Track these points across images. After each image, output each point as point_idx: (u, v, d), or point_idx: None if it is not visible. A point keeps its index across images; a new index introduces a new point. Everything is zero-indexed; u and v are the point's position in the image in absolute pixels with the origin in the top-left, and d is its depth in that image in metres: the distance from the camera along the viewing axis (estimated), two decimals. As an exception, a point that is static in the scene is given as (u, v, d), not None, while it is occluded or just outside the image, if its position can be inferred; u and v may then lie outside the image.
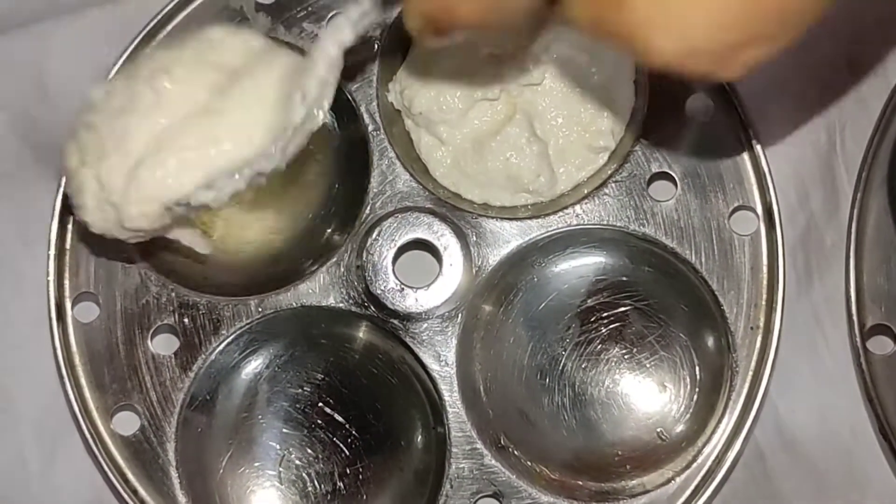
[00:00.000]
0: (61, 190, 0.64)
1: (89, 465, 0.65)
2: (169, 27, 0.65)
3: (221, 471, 0.64)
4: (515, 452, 0.64)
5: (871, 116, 0.67)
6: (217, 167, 0.53)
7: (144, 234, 0.56)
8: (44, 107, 0.68)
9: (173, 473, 0.63)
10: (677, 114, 0.64)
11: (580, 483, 0.64)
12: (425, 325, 0.64)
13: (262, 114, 0.53)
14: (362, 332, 0.65)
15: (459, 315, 0.64)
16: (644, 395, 0.65)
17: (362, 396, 0.65)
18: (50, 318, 0.63)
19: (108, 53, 0.65)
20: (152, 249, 0.64)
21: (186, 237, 0.62)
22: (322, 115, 0.52)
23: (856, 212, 0.65)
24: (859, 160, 0.66)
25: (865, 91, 0.68)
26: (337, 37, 0.51)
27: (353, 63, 0.65)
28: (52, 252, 0.64)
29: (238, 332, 0.64)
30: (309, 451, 0.65)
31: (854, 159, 0.67)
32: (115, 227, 0.55)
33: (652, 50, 0.44)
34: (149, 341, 0.64)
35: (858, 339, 0.64)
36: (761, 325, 0.64)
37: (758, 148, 0.64)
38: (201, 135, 0.53)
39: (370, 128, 0.65)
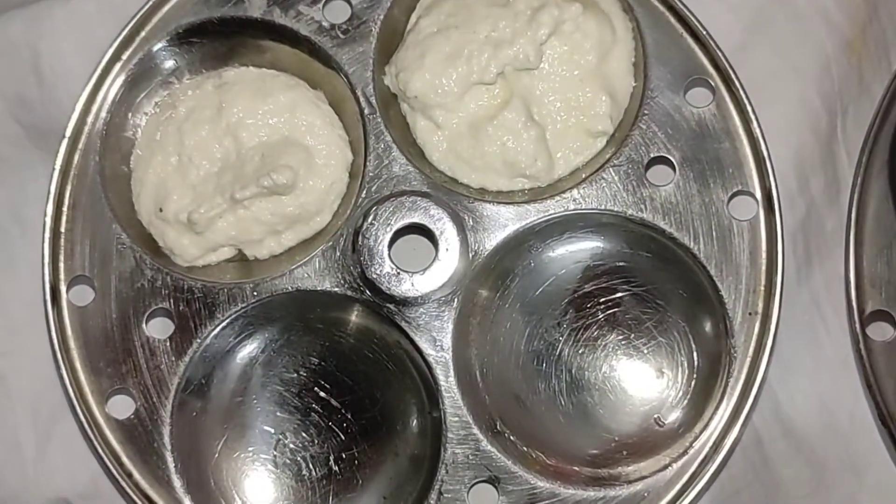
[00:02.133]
0: (56, 172, 0.64)
1: (84, 450, 0.65)
2: (164, 9, 0.65)
3: (216, 454, 0.64)
4: (511, 438, 0.64)
5: (872, 101, 0.67)
6: None
7: None
8: (38, 89, 0.68)
9: (168, 457, 0.63)
10: (676, 98, 0.64)
11: (576, 469, 0.64)
12: (421, 309, 0.63)
13: None
14: (358, 317, 0.65)
15: (456, 300, 0.64)
16: (641, 380, 0.65)
17: (358, 381, 0.65)
18: (45, 302, 0.63)
19: (103, 36, 0.65)
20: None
21: (170, 236, 0.64)
22: None
23: (856, 197, 0.65)
24: (860, 145, 0.66)
25: (866, 75, 0.68)
26: None
27: (351, 47, 0.64)
28: (48, 235, 0.64)
29: (233, 317, 0.64)
30: (304, 435, 0.65)
31: (855, 144, 0.66)
32: None
33: None
34: (144, 325, 0.64)
35: (858, 325, 0.64)
36: (760, 310, 0.63)
37: (757, 132, 0.63)
38: None
39: (366, 111, 0.64)
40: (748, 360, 0.63)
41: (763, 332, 0.63)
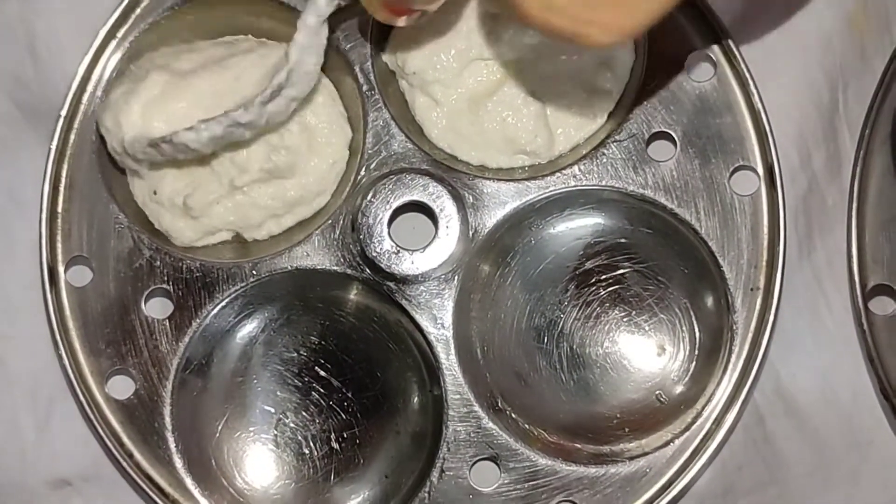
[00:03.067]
0: (52, 152, 0.64)
1: (85, 431, 0.65)
2: (159, -12, 0.65)
3: (217, 434, 0.64)
4: (513, 415, 0.64)
5: (874, 74, 0.66)
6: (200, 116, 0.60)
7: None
8: (33, 69, 0.67)
9: (169, 437, 0.63)
10: (677, 73, 0.64)
11: (578, 446, 0.64)
12: (422, 287, 0.63)
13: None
14: (358, 295, 0.65)
15: (456, 277, 0.63)
16: (643, 357, 0.65)
17: (358, 360, 0.65)
18: (43, 283, 0.63)
19: (98, 14, 0.65)
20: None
21: (166, 219, 0.63)
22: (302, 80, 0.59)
23: (858, 171, 0.65)
24: (862, 119, 0.65)
25: (868, 49, 0.67)
26: (316, 9, 0.58)
27: (348, 23, 0.64)
28: (45, 215, 0.63)
29: (232, 296, 0.64)
30: (304, 414, 0.64)
31: (857, 118, 0.66)
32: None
33: (519, 8, 0.47)
34: (143, 305, 0.63)
35: (860, 300, 0.64)
36: (761, 286, 0.63)
37: (759, 107, 0.63)
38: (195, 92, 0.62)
39: (364, 88, 0.64)
40: (750, 335, 0.63)
41: (765, 308, 0.63)
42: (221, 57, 0.63)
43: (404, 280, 0.63)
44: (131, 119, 0.61)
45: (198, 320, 0.63)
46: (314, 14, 0.58)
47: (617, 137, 0.64)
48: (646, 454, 0.62)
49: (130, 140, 0.61)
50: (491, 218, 0.64)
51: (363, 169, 0.64)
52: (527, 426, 0.64)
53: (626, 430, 0.64)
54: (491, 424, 0.62)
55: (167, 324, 0.63)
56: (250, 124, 0.60)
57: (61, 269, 0.63)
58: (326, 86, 0.65)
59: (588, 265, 0.65)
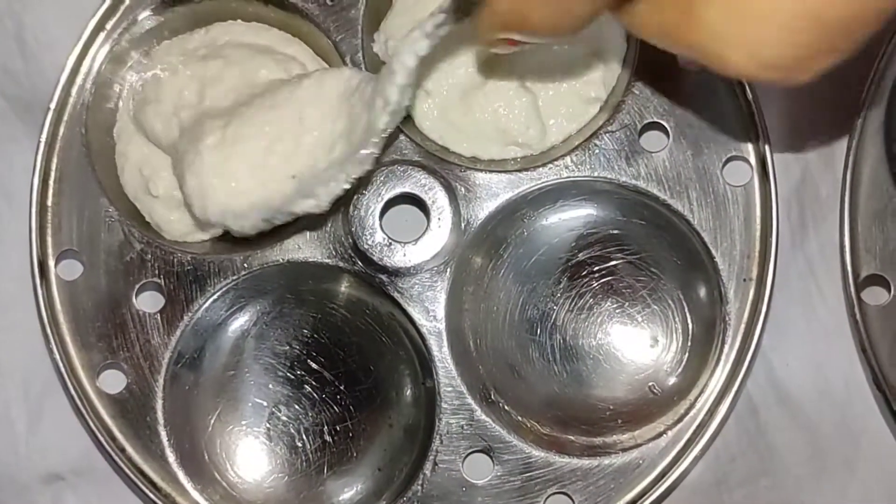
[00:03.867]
0: (42, 145, 0.63)
1: (77, 425, 0.65)
2: (149, -21, 0.64)
3: (210, 428, 0.64)
4: (506, 407, 0.64)
5: (868, 62, 0.66)
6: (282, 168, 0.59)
7: None
8: (22, 61, 0.67)
9: (161, 431, 0.62)
10: (670, 63, 0.63)
11: (571, 438, 0.64)
12: (414, 280, 0.63)
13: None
14: (349, 288, 0.64)
15: (448, 269, 0.63)
16: (635, 348, 0.65)
17: (350, 352, 0.64)
18: (33, 277, 0.63)
19: (87, 5, 0.64)
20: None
21: (158, 212, 0.63)
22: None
23: (851, 160, 0.64)
24: (855, 107, 0.65)
25: (862, 37, 0.67)
26: (413, 48, 0.55)
27: (339, 14, 0.63)
28: (34, 209, 0.63)
29: (224, 289, 0.63)
30: (297, 407, 0.64)
31: (850, 107, 0.66)
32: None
33: (726, 63, 0.46)
34: (134, 299, 0.63)
35: (853, 290, 0.63)
36: (754, 276, 0.63)
37: (751, 97, 0.63)
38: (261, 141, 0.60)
39: (356, 79, 0.63)
40: (742, 326, 0.63)
41: (758, 299, 0.63)
42: (267, 89, 0.61)
43: (396, 272, 0.63)
44: (218, 199, 0.60)
45: (189, 314, 0.63)
46: (414, 56, 0.56)
47: (609, 128, 0.63)
48: (639, 445, 0.62)
49: (233, 217, 0.60)
50: (483, 209, 0.63)
51: (354, 161, 0.63)
52: (520, 418, 0.64)
53: (619, 421, 0.64)
54: (484, 417, 0.62)
55: (158, 317, 0.63)
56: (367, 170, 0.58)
57: (51, 262, 0.63)
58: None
59: (581, 256, 0.65)
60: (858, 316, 0.63)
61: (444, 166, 0.63)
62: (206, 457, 0.64)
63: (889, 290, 0.64)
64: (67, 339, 0.63)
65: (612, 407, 0.64)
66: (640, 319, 0.65)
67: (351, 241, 0.63)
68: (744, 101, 0.63)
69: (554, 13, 0.48)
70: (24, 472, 0.66)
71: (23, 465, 0.66)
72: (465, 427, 0.62)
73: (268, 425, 0.64)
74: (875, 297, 0.64)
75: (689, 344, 0.64)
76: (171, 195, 0.63)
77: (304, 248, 0.63)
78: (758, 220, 0.63)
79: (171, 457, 0.63)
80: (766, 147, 0.63)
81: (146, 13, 0.65)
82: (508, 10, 0.49)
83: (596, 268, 0.65)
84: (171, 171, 0.63)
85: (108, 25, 0.64)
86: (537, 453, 0.62)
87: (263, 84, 0.62)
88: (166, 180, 0.63)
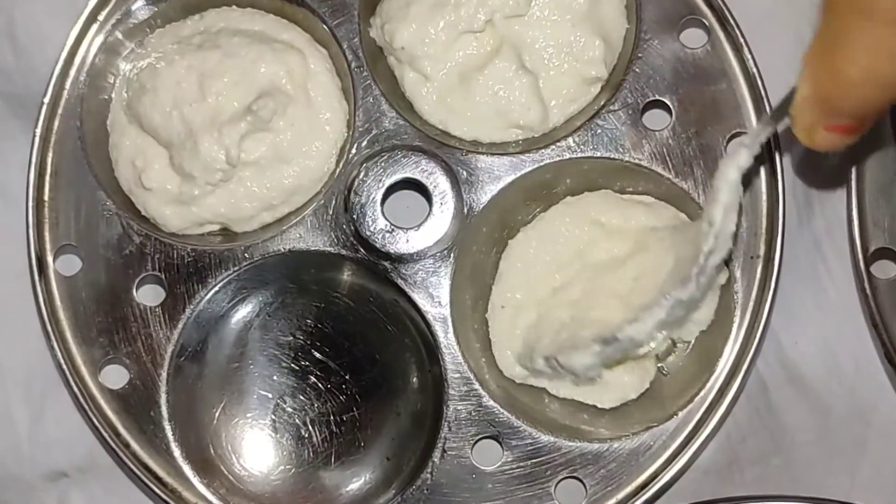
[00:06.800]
0: (37, 139, 0.62)
1: (80, 422, 0.64)
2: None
3: (215, 421, 0.64)
4: (514, 393, 0.63)
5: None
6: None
7: None
8: (14, 57, 0.66)
9: (166, 426, 0.62)
10: (671, 40, 0.63)
11: (582, 421, 0.63)
12: (417, 266, 0.62)
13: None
14: (352, 276, 0.64)
15: (452, 255, 0.62)
16: (644, 329, 0.64)
17: (355, 341, 0.64)
18: (32, 272, 0.62)
19: (79, 3, 0.63)
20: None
21: (152, 205, 0.62)
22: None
23: (857, 133, 0.64)
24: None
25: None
26: (736, 162, 0.53)
27: (335, -1, 0.63)
28: (31, 205, 0.62)
29: (225, 281, 0.63)
30: (303, 398, 0.64)
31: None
32: None
33: None
34: (134, 293, 0.62)
35: (862, 264, 0.63)
36: (761, 254, 0.62)
37: (754, 72, 0.62)
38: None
39: (353, 64, 0.63)
40: (751, 304, 0.62)
41: (766, 276, 0.62)
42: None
43: (400, 259, 0.62)
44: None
45: (191, 306, 0.62)
46: (736, 169, 0.53)
47: (611, 108, 0.63)
48: (649, 427, 0.62)
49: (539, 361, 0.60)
50: (486, 193, 0.63)
51: (354, 147, 0.63)
52: (528, 402, 0.63)
53: (629, 403, 0.63)
54: (492, 402, 0.62)
55: (160, 311, 0.62)
56: (691, 300, 0.56)
57: (50, 258, 0.62)
58: (324, 55, 0.64)
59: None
60: (868, 290, 0.63)
61: (445, 150, 0.63)
62: (212, 450, 0.63)
63: (898, 264, 0.63)
64: (68, 334, 0.62)
65: (622, 389, 0.64)
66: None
67: (353, 228, 0.62)
68: (746, 77, 0.62)
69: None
70: (28, 471, 0.65)
71: (27, 463, 0.65)
72: (474, 413, 0.62)
73: (273, 417, 0.64)
74: (884, 270, 0.63)
75: (698, 323, 0.64)
76: (165, 188, 0.62)
77: (305, 237, 0.62)
78: (764, 198, 0.62)
79: (176, 451, 0.62)
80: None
81: (139, 3, 0.64)
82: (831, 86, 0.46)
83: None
84: (164, 163, 0.63)
85: (101, 16, 0.64)
86: (547, 438, 0.61)
87: (263, 83, 0.62)
88: (160, 173, 0.63)
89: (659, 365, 0.63)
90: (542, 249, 0.63)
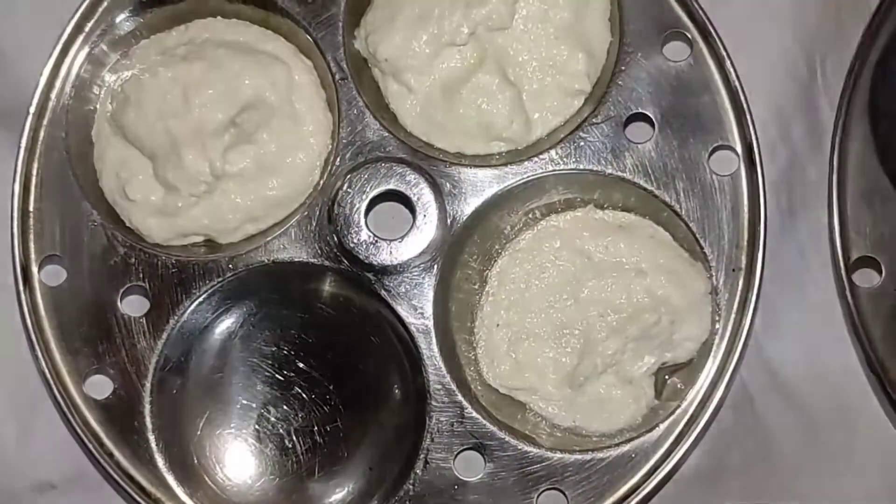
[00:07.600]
0: (22, 150, 0.63)
1: (67, 433, 0.64)
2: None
3: (199, 431, 0.64)
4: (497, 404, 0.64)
5: (851, 44, 0.65)
6: None
7: None
8: (0, 69, 0.66)
9: (150, 436, 0.62)
10: (654, 53, 0.63)
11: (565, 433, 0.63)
12: (401, 277, 0.62)
13: None
14: (336, 287, 0.64)
15: (436, 266, 0.63)
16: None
17: (338, 352, 0.64)
18: (16, 283, 0.62)
19: (64, 9, 0.63)
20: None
21: (136, 217, 0.62)
22: None
23: (837, 142, 0.64)
24: (840, 90, 0.64)
25: (845, 18, 0.67)
26: None
27: (319, 11, 0.63)
28: (16, 215, 0.62)
29: (209, 291, 0.63)
30: (286, 408, 0.64)
31: (835, 89, 0.65)
32: None
33: None
34: (118, 303, 0.63)
35: (844, 273, 0.63)
36: (744, 266, 0.62)
37: (736, 85, 0.62)
38: None
39: (337, 76, 0.63)
40: (733, 316, 0.62)
41: (747, 288, 0.62)
42: None
43: (383, 270, 0.62)
44: None
45: (175, 317, 0.63)
46: None
47: (594, 120, 0.63)
48: (632, 439, 0.62)
49: None
50: (469, 205, 0.63)
51: (338, 158, 0.63)
52: (510, 414, 0.63)
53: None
54: (474, 413, 0.62)
55: (144, 321, 0.63)
56: None
57: (35, 268, 0.63)
58: (308, 66, 0.64)
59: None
60: (850, 299, 0.63)
61: (429, 162, 0.63)
62: (196, 460, 0.63)
63: (880, 272, 0.63)
64: (52, 345, 0.62)
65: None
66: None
67: (336, 239, 0.62)
68: (728, 90, 0.62)
69: None
70: (15, 482, 0.65)
71: (15, 474, 0.66)
72: (456, 424, 0.62)
73: (257, 427, 0.64)
74: (866, 279, 0.63)
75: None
76: (149, 200, 0.63)
77: (289, 248, 0.63)
78: (745, 210, 0.63)
79: (159, 461, 0.62)
80: (753, 135, 0.62)
81: (124, 14, 0.64)
82: None
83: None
84: (148, 174, 0.63)
85: (87, 28, 0.64)
86: (529, 449, 0.62)
87: (248, 95, 0.62)
88: (144, 184, 0.63)
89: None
90: (532, 274, 0.63)
